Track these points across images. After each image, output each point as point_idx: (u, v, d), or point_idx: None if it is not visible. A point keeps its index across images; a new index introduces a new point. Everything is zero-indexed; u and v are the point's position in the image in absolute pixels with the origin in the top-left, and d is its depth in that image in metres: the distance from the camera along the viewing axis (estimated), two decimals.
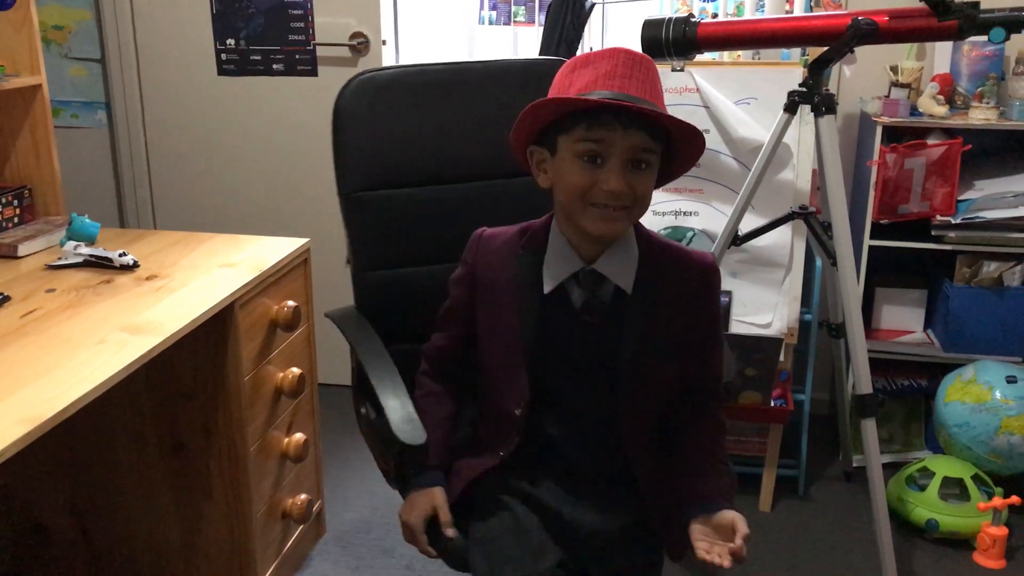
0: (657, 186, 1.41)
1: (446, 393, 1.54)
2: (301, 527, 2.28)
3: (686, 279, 1.43)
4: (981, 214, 2.53)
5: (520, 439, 1.45)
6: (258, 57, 3.06)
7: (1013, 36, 1.89)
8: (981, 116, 2.53)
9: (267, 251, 2.11)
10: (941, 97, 2.57)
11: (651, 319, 1.40)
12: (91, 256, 2.02)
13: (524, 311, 1.42)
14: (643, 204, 1.36)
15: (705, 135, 2.52)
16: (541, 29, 2.71)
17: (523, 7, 3.06)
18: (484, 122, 1.83)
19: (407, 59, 3.20)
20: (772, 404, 2.57)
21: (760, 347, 2.48)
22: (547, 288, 1.41)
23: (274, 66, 3.06)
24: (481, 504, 1.46)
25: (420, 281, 1.76)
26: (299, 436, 2.18)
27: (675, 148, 1.37)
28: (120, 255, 2.00)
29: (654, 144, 1.32)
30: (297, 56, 3.03)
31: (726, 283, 2.58)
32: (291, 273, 2.13)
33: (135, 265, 2.00)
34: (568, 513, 1.41)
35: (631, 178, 1.31)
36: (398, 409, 1.45)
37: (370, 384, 1.51)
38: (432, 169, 1.79)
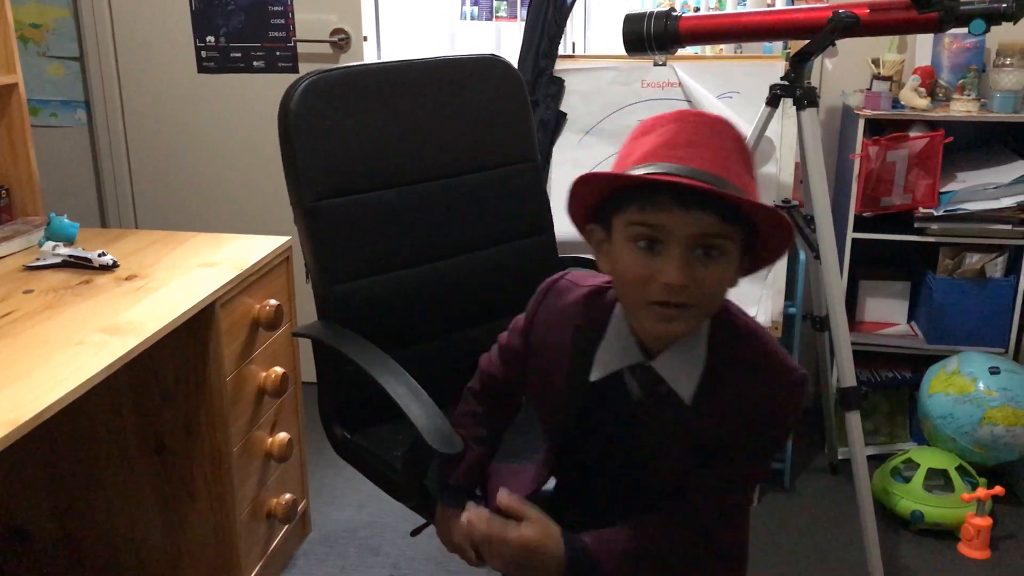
0: (745, 274, 1.17)
1: (486, 415, 1.46)
2: (286, 527, 2.27)
3: (754, 398, 1.19)
4: (963, 206, 2.53)
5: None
6: (238, 54, 3.04)
7: (993, 28, 1.89)
8: (962, 108, 2.54)
9: (248, 250, 2.09)
10: (923, 90, 2.57)
11: (708, 435, 1.20)
12: (70, 256, 1.99)
13: (569, 392, 1.28)
14: (712, 301, 1.14)
15: None
16: (523, 24, 2.69)
17: (504, 2, 3.04)
18: (441, 119, 1.80)
19: (389, 55, 3.19)
20: None
21: None
22: (594, 377, 1.23)
23: (254, 63, 3.03)
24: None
25: (393, 288, 1.73)
26: (283, 435, 2.17)
27: (759, 229, 1.11)
28: (99, 255, 1.98)
29: (728, 228, 1.07)
30: (278, 53, 3.01)
31: None
32: (273, 272, 2.11)
33: (114, 265, 1.98)
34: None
35: (697, 269, 1.08)
36: (425, 417, 1.40)
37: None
38: (393, 171, 1.75)
